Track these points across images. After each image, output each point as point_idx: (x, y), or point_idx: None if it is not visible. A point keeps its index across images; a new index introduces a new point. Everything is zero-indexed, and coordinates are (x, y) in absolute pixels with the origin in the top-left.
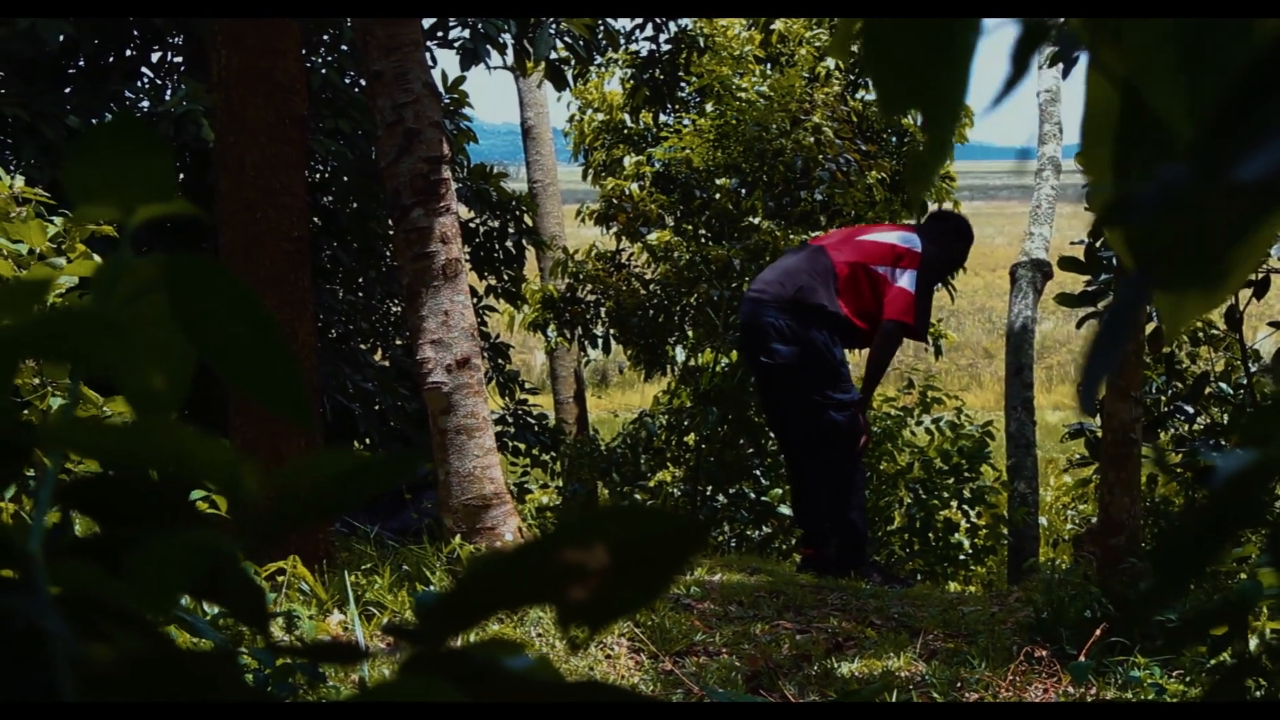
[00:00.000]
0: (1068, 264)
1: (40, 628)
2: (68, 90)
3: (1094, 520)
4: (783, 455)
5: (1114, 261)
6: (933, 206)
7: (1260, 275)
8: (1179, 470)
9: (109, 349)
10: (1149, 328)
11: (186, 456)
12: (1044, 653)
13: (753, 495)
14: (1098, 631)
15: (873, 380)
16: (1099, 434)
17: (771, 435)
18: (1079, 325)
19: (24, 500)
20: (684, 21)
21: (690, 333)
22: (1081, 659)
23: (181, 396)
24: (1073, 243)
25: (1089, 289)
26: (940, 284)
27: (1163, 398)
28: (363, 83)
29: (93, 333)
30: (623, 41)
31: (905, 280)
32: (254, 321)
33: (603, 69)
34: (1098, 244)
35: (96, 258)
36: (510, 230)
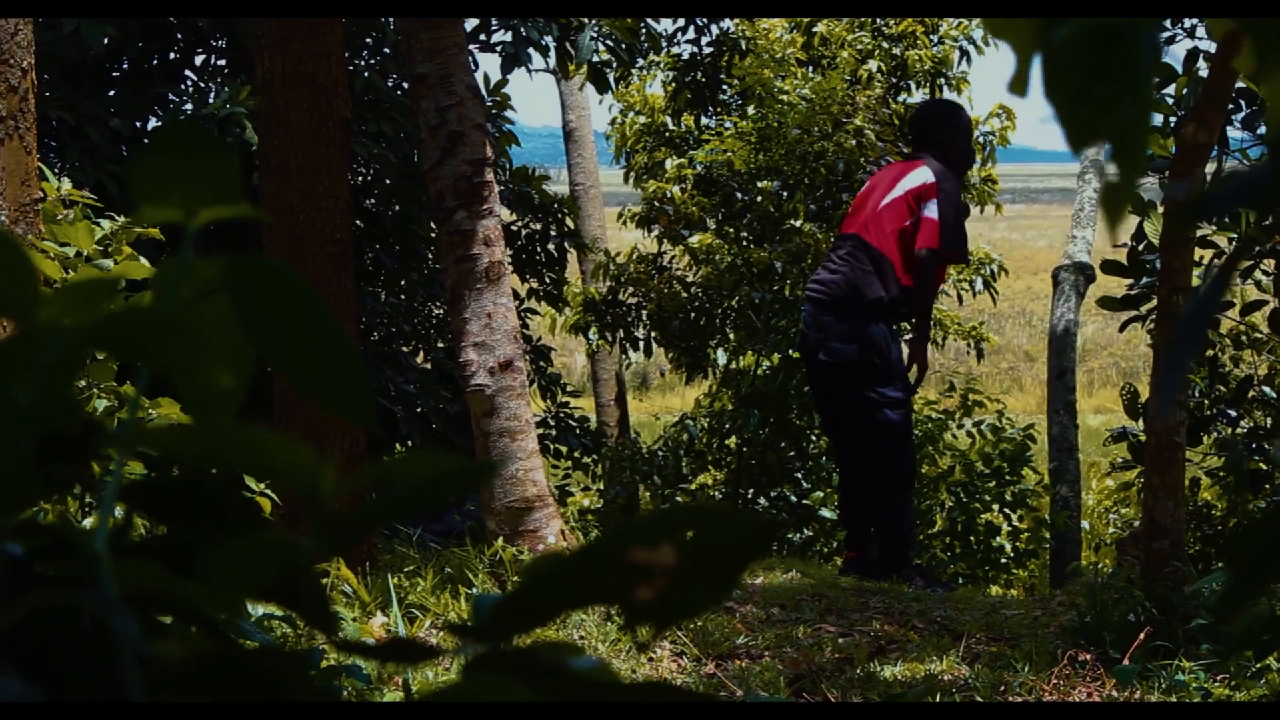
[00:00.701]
0: (1110, 267)
1: (108, 626)
2: (112, 93)
3: (1137, 524)
4: (834, 456)
5: (1156, 265)
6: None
7: None
8: (1222, 474)
9: (178, 348)
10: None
11: (269, 459)
12: (1088, 657)
13: (794, 498)
14: (1142, 635)
15: (922, 316)
16: (1142, 438)
17: (815, 438)
18: (1121, 329)
19: (67, 501)
20: (726, 24)
21: (731, 335)
22: (1125, 663)
23: (241, 397)
24: (1115, 246)
25: (1131, 292)
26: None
27: (1206, 401)
28: (405, 85)
29: (163, 332)
30: (664, 44)
31: (930, 209)
32: (317, 323)
33: (644, 72)
34: (1140, 247)
35: (143, 260)
36: (552, 233)
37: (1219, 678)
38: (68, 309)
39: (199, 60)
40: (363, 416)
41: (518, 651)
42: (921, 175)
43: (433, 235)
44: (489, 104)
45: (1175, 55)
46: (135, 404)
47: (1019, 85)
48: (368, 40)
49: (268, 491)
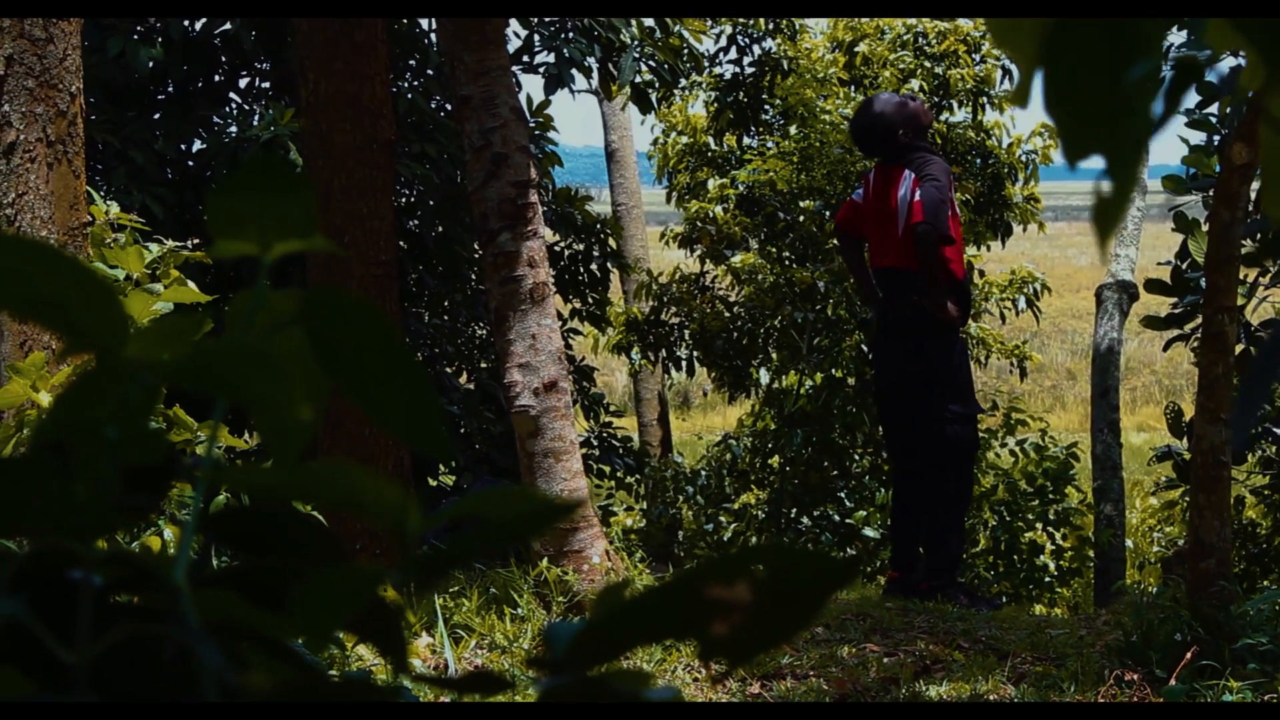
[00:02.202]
0: (1154, 286)
1: (192, 657)
2: (156, 116)
3: (1182, 543)
4: (892, 471)
5: (1200, 283)
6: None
7: None
8: (1268, 493)
9: (260, 381)
10: (1238, 349)
11: (356, 495)
12: (1134, 676)
13: (837, 517)
14: (1189, 655)
15: (930, 282)
16: (1186, 456)
17: (858, 457)
18: (1165, 348)
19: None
20: (768, 44)
21: (774, 355)
22: (1173, 683)
23: (317, 428)
24: (1159, 264)
25: (1175, 311)
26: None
27: None
28: (449, 107)
29: (246, 365)
30: (707, 64)
31: (917, 194)
32: (391, 354)
33: (687, 92)
34: (1184, 266)
35: (191, 285)
36: (595, 253)
37: (1267, 697)
38: (152, 344)
39: (243, 83)
40: (438, 448)
41: (593, 681)
42: (907, 182)
43: (476, 256)
44: (532, 125)
45: (1219, 72)
46: (213, 439)
47: (1021, 97)
48: (411, 62)
49: (314, 513)
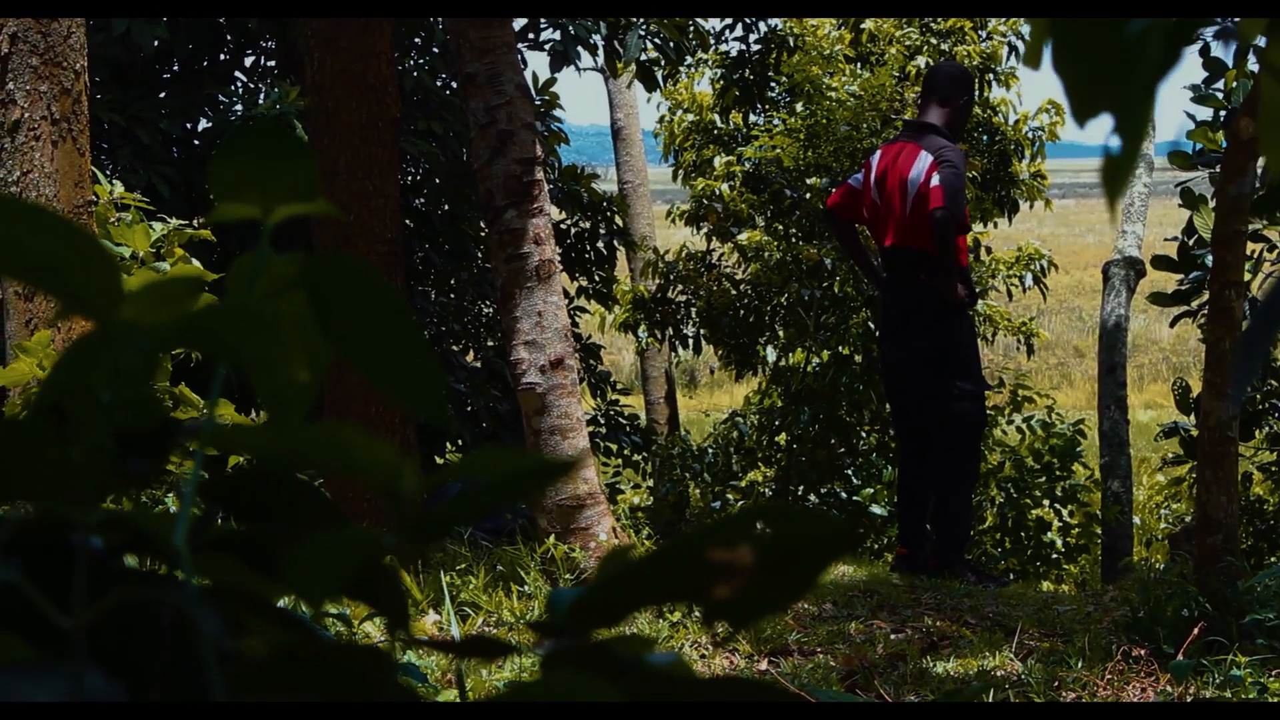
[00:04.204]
0: (1161, 263)
1: (190, 621)
2: (162, 95)
3: (1189, 519)
4: (899, 449)
5: (1207, 260)
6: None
7: None
8: (1275, 469)
9: (259, 344)
10: (1245, 324)
11: (352, 458)
12: (1142, 652)
13: (844, 495)
14: (1196, 630)
15: (945, 269)
16: (1193, 432)
17: (864, 434)
18: (1172, 324)
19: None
20: (774, 21)
21: (781, 332)
22: (1180, 658)
23: (317, 392)
24: (1165, 240)
25: (1182, 287)
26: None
27: (1258, 395)
28: (454, 84)
29: (244, 328)
30: (712, 42)
31: (935, 180)
32: (392, 319)
33: (692, 69)
34: (1191, 242)
35: (195, 262)
36: (601, 231)
37: (1274, 672)
38: (148, 309)
39: (249, 61)
40: (438, 411)
41: (595, 646)
42: (921, 163)
43: (482, 234)
44: (538, 103)
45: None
46: (214, 402)
47: (1032, 59)
48: (416, 39)
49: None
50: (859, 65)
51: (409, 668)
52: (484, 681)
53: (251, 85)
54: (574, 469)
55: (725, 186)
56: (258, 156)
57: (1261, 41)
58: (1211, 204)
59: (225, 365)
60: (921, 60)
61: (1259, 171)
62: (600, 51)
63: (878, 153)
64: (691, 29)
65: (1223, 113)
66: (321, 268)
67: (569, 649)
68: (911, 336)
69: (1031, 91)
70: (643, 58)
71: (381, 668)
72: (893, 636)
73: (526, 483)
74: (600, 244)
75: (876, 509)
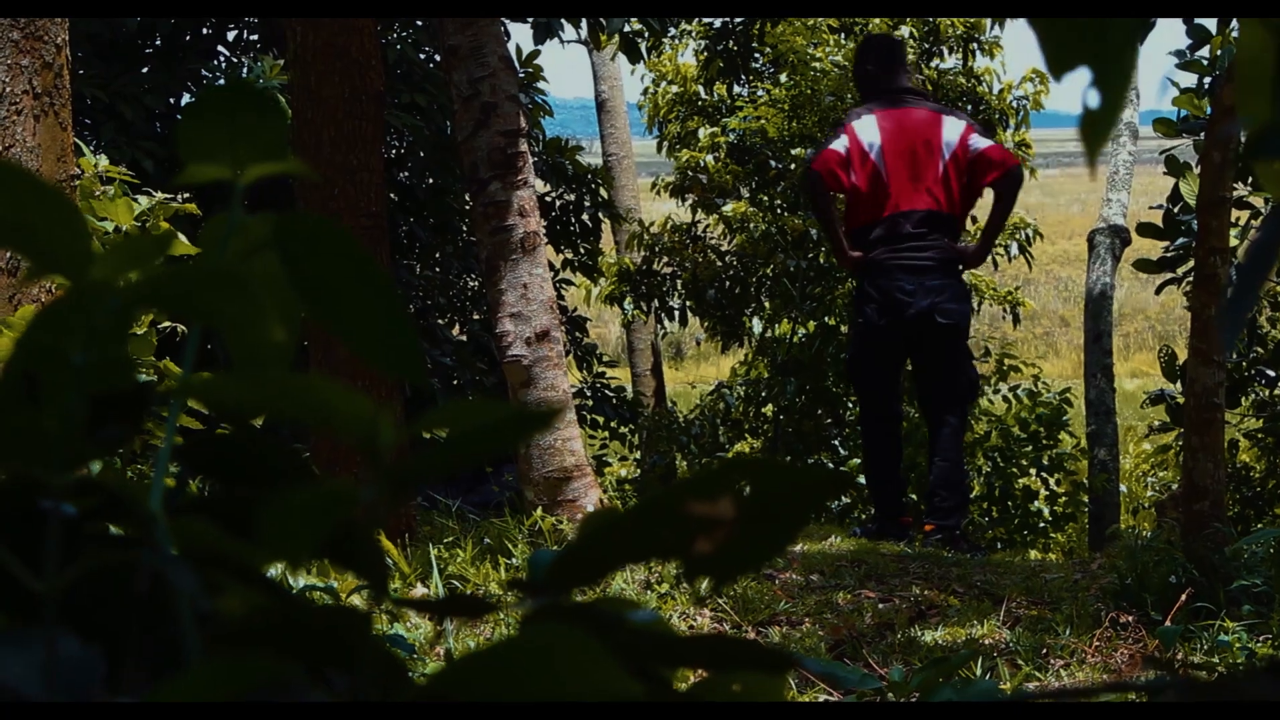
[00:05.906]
0: (1146, 230)
1: (166, 583)
2: (145, 70)
3: (1176, 486)
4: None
5: (1192, 226)
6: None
7: None
8: (1261, 436)
9: (231, 303)
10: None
11: (326, 409)
12: (1129, 619)
13: (831, 465)
14: (1183, 597)
15: (995, 229)
16: (1180, 400)
17: (851, 405)
18: (1158, 291)
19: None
20: None
21: (767, 304)
22: (1168, 624)
23: (292, 354)
24: (1150, 208)
25: (1167, 254)
26: None
27: (1244, 362)
28: (438, 58)
29: (216, 287)
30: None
31: (982, 141)
32: (365, 279)
33: (676, 41)
34: (1176, 209)
35: (181, 237)
36: (586, 204)
37: (1262, 638)
38: (118, 268)
39: (231, 36)
40: (413, 371)
41: (576, 605)
42: (952, 127)
43: (467, 207)
44: (521, 75)
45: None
46: (189, 360)
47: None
48: None
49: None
50: (843, 35)
51: (395, 639)
52: (469, 651)
53: (234, 60)
54: (553, 419)
55: (710, 158)
56: (226, 117)
57: None
58: (1196, 170)
59: (199, 325)
60: (905, 30)
61: (1242, 139)
62: (584, 23)
63: (863, 119)
64: None
65: (1207, 79)
66: (294, 227)
67: (549, 606)
68: (947, 300)
69: (1016, 60)
70: (626, 29)
71: (360, 628)
72: (880, 606)
73: (506, 432)
74: (585, 216)
75: (864, 480)
